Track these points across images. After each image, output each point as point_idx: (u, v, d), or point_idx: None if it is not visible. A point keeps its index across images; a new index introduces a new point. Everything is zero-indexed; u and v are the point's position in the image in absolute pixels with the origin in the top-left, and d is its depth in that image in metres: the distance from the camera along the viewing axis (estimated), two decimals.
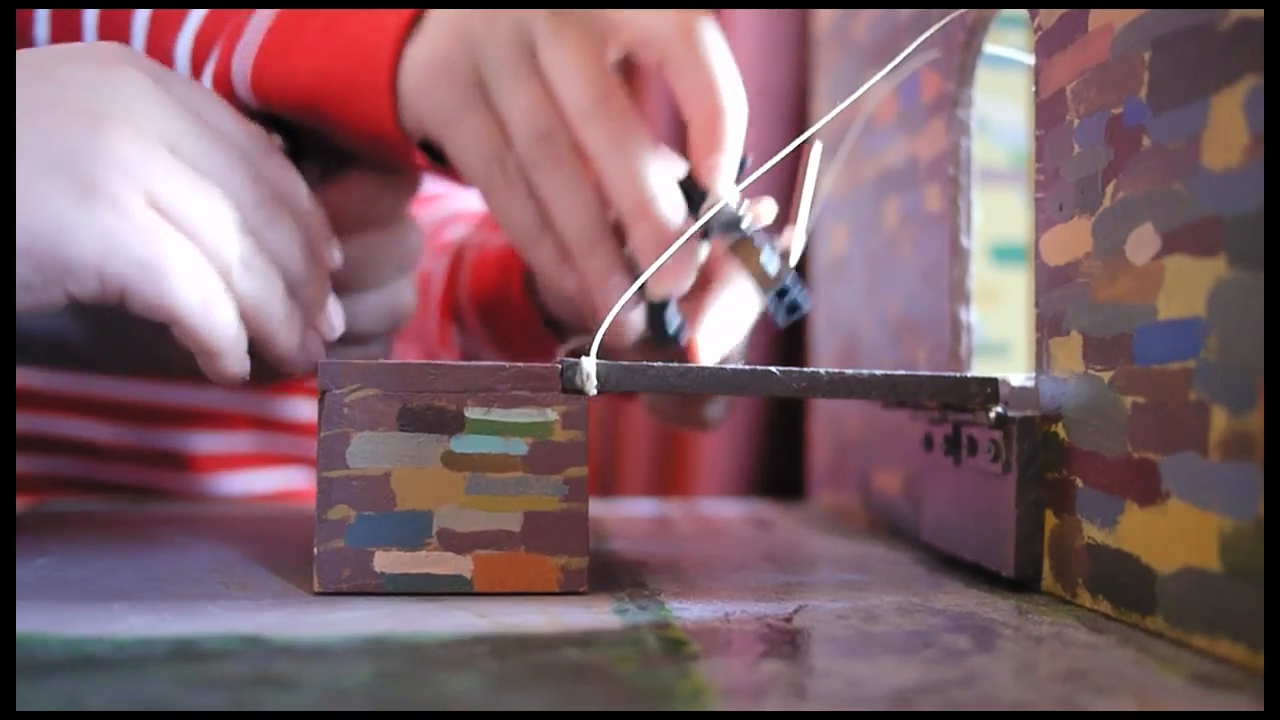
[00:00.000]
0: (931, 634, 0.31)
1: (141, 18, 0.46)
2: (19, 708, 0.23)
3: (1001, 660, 0.29)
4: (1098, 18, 0.34)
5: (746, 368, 0.37)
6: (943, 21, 0.44)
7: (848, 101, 0.41)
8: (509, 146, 0.42)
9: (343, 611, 0.33)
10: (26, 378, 0.70)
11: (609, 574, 0.40)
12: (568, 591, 0.36)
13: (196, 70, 0.46)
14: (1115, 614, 0.33)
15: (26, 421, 0.70)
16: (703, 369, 0.37)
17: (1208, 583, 0.29)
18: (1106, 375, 0.34)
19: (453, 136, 0.42)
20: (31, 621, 0.31)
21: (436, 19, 0.42)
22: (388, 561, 0.35)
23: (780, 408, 0.91)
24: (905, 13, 0.49)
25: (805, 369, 0.38)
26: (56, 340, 0.59)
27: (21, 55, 0.34)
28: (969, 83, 0.47)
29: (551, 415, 0.36)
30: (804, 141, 0.43)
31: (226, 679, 0.26)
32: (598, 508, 0.64)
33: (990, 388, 0.39)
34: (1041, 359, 0.38)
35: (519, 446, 0.36)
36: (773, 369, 0.37)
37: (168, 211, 0.33)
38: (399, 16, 0.42)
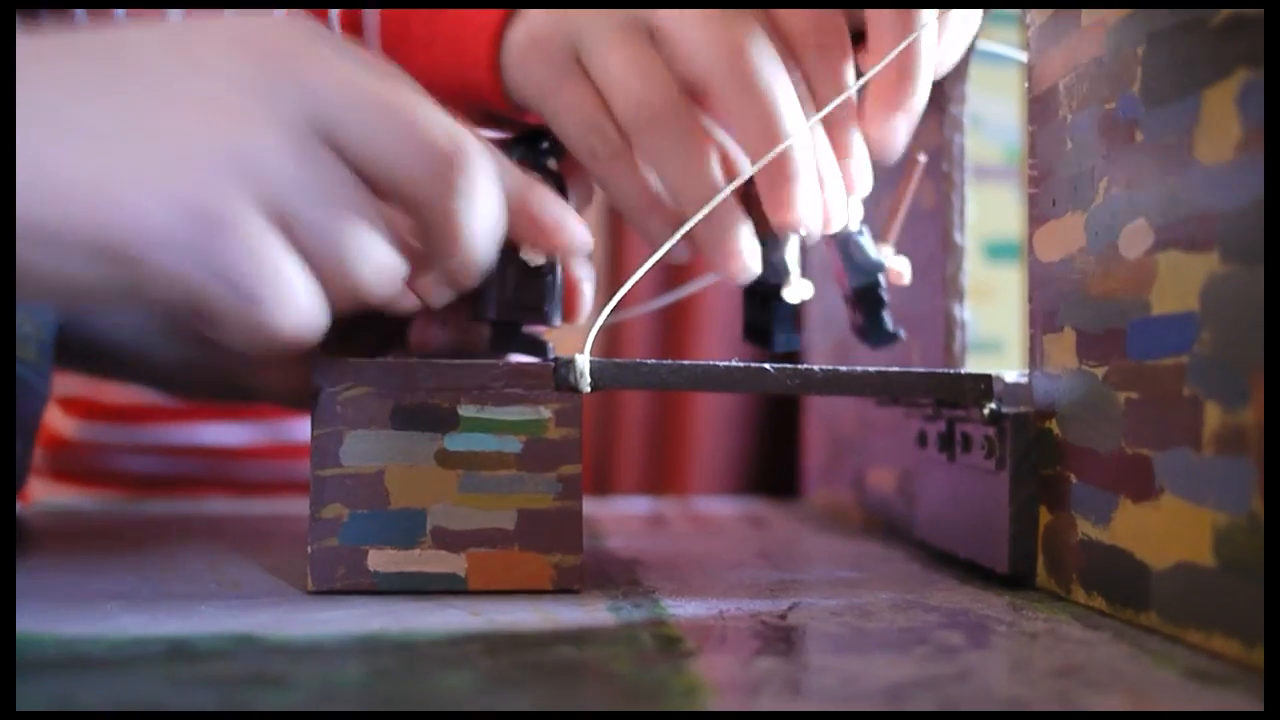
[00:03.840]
0: (926, 631, 0.31)
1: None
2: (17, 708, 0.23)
3: (996, 657, 0.29)
4: (1091, 14, 0.34)
5: (740, 365, 0.37)
6: (934, 20, 0.44)
7: (841, 98, 0.41)
8: (608, 117, 0.41)
9: (336, 610, 0.33)
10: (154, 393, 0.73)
11: (603, 572, 0.40)
12: (562, 589, 0.36)
13: None
14: (1109, 610, 0.33)
15: (167, 432, 0.72)
16: (696, 366, 0.37)
17: (1202, 578, 0.29)
18: (1100, 371, 0.34)
19: (551, 109, 0.42)
20: (25, 622, 0.30)
21: (536, 10, 0.43)
22: (381, 560, 0.35)
23: (774, 405, 0.90)
24: None
25: (799, 366, 0.38)
26: (142, 360, 0.60)
27: (164, 30, 0.30)
28: (962, 78, 0.47)
29: (545, 413, 0.36)
30: (908, 157, 0.41)
31: (220, 678, 0.26)
32: (592, 505, 0.64)
33: (984, 384, 0.39)
34: (1035, 355, 0.38)
35: (513, 444, 0.36)
36: (767, 366, 0.37)
37: (294, 226, 0.29)
38: (496, 13, 0.43)
